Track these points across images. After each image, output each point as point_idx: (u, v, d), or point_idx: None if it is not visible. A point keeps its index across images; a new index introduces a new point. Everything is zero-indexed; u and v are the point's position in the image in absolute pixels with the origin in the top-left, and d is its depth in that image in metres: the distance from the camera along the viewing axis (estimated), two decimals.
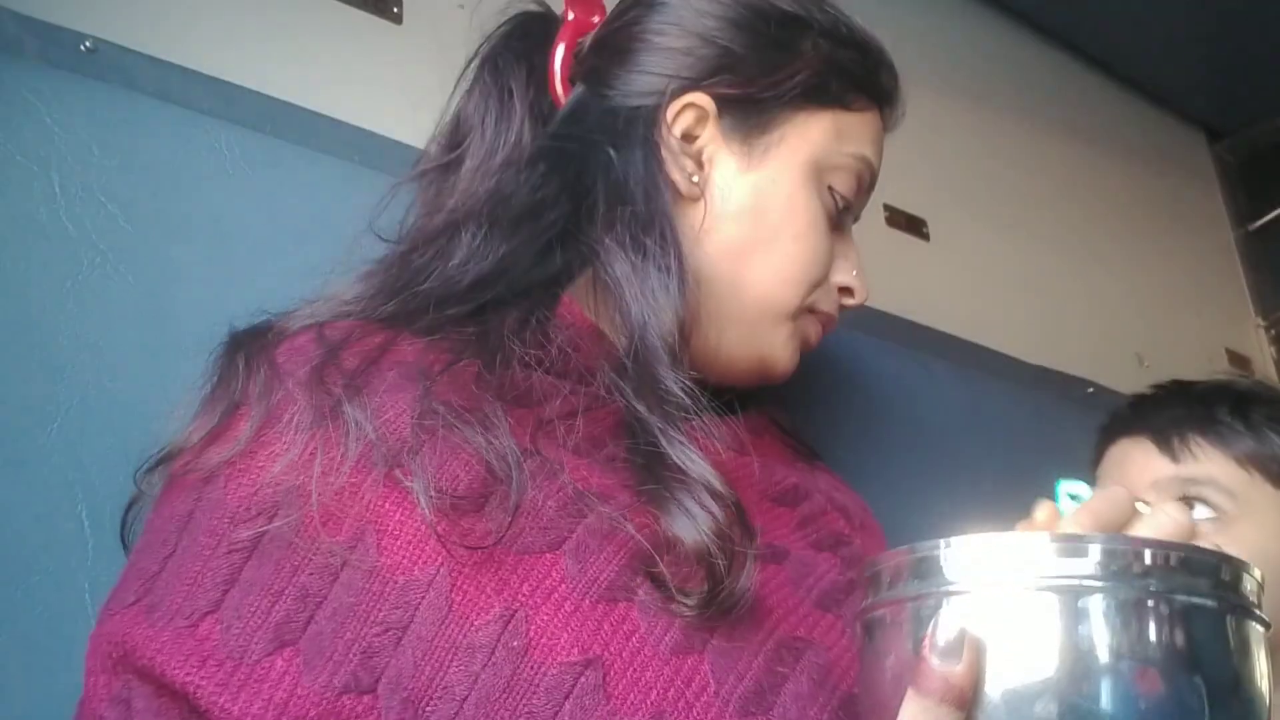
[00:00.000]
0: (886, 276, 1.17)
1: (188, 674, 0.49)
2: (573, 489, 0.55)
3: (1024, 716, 0.40)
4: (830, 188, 0.70)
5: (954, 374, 1.20)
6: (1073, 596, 0.41)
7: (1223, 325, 1.60)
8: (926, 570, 0.43)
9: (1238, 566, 0.43)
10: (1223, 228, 1.70)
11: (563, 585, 0.52)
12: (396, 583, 0.51)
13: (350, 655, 0.50)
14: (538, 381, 0.60)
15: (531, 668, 0.50)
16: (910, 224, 1.23)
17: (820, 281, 0.70)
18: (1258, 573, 0.43)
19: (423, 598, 0.51)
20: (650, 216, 0.64)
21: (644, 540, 0.54)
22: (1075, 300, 1.39)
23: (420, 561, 0.52)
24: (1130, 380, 1.37)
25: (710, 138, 0.68)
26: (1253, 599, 0.43)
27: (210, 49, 0.79)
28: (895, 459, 1.07)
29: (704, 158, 0.68)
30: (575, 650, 0.51)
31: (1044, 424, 1.25)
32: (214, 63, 0.79)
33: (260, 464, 0.53)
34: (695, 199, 0.68)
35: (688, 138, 0.68)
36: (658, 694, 0.51)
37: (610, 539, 0.54)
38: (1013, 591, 0.41)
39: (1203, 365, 1.51)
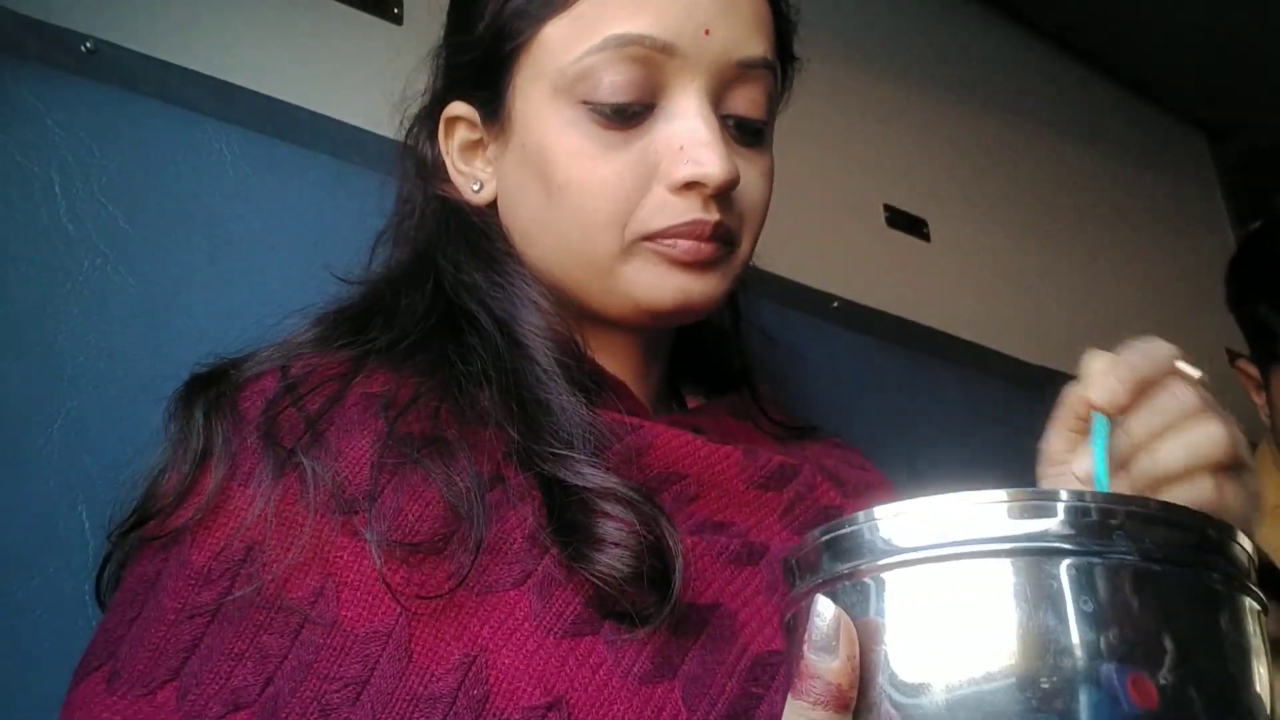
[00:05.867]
0: (886, 276, 1.17)
1: None
2: (537, 520, 0.54)
3: (926, 712, 0.34)
4: (585, 102, 0.60)
5: (954, 374, 1.20)
6: (985, 566, 0.34)
7: (1223, 325, 1.60)
8: (831, 555, 0.37)
9: (1224, 530, 0.36)
10: (1223, 228, 1.70)
11: (526, 623, 0.51)
12: (357, 635, 0.50)
13: (308, 714, 0.49)
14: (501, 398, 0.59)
15: (493, 716, 0.49)
16: (910, 224, 1.23)
17: (625, 209, 0.60)
18: (1248, 542, 0.37)
19: (383, 650, 0.50)
20: (469, 245, 0.65)
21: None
22: (1075, 300, 1.38)
23: (380, 611, 0.51)
24: None
25: (485, 134, 0.67)
26: (1244, 567, 0.37)
27: (210, 49, 0.79)
28: (895, 459, 1.07)
29: (489, 155, 0.67)
30: (538, 693, 0.49)
31: (1044, 424, 1.25)
32: (214, 63, 0.79)
33: (224, 521, 0.53)
34: (494, 199, 0.66)
35: (472, 146, 0.67)
36: None
37: (576, 571, 0.52)
38: (897, 571, 0.35)
39: (1203, 365, 1.51)
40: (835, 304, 1.11)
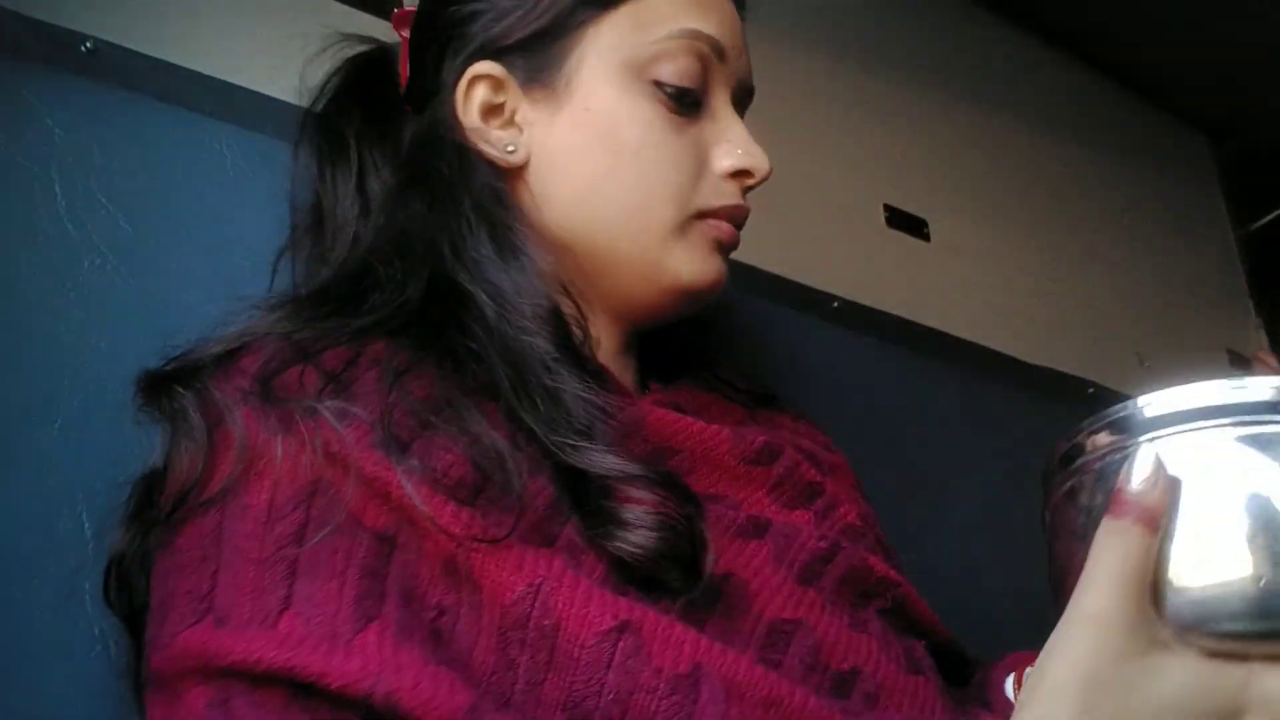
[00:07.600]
0: (886, 276, 1.17)
1: (286, 657, 0.45)
2: (557, 490, 0.55)
3: (1216, 553, 0.41)
4: (656, 82, 0.65)
5: (954, 374, 1.20)
6: (1270, 441, 0.42)
7: (1223, 325, 1.60)
8: (1118, 429, 0.46)
9: None
10: (1223, 228, 1.70)
11: (568, 572, 0.51)
12: (441, 563, 0.50)
13: (426, 642, 0.48)
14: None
15: (568, 641, 0.49)
16: (910, 224, 1.23)
17: (687, 185, 0.66)
18: None
19: (464, 581, 0.50)
20: (481, 213, 0.64)
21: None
22: (1075, 300, 1.39)
23: (443, 542, 0.51)
24: (1130, 380, 1.37)
25: (514, 98, 0.67)
26: None
27: (210, 49, 0.79)
28: (895, 459, 1.07)
29: (517, 120, 0.67)
30: (607, 616, 0.50)
31: (1044, 424, 1.25)
32: (214, 63, 0.79)
33: (274, 465, 0.51)
34: (522, 165, 0.67)
35: (491, 110, 0.67)
36: (690, 647, 0.50)
37: (595, 543, 0.53)
38: (1210, 437, 0.43)
39: (1203, 365, 1.51)
40: (835, 304, 1.11)
